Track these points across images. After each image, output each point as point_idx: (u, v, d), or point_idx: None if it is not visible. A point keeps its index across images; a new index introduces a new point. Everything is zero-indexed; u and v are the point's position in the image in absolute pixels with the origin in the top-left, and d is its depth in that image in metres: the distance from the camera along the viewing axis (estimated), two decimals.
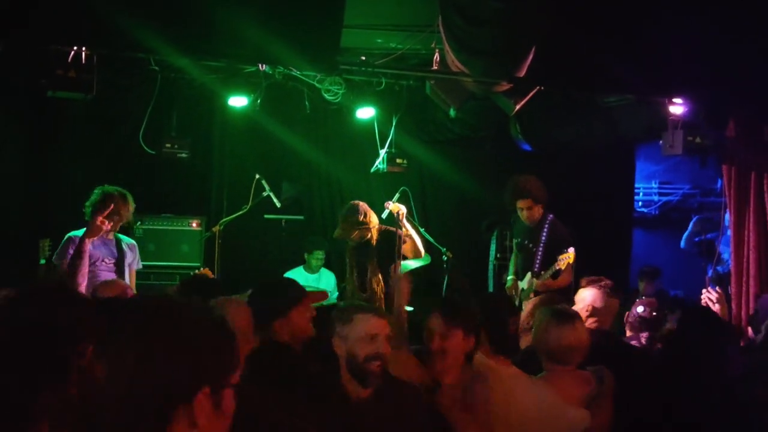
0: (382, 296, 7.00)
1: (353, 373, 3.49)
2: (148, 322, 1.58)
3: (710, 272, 8.51)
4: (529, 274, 7.12)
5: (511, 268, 7.54)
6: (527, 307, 6.90)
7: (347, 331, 3.50)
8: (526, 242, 7.27)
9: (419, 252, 7.05)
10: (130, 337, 1.55)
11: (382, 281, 7.08)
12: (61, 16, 5.89)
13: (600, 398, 3.78)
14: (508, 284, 7.43)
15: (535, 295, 6.98)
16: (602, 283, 5.03)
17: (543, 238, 7.09)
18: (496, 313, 4.22)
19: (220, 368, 1.62)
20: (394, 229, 7.03)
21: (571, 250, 6.81)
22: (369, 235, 7.08)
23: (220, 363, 1.62)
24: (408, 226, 6.96)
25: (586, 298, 4.96)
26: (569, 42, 6.69)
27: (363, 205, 7.12)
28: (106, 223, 5.94)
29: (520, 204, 7.16)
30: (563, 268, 6.81)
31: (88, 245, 5.87)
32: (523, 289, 7.15)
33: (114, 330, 1.57)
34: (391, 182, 8.14)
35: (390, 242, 7.02)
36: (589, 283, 5.06)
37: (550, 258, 6.98)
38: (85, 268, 5.78)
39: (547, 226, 7.13)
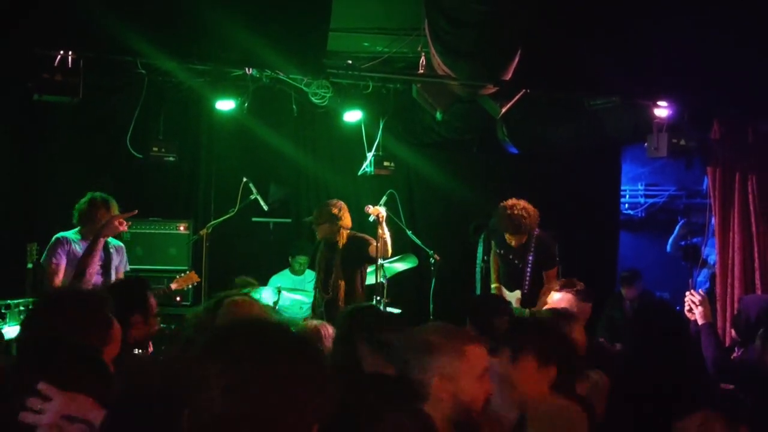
0: (343, 299, 7.05)
1: (460, 425, 2.76)
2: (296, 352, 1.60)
3: (696, 276, 8.56)
4: (518, 292, 7.16)
5: (493, 275, 7.55)
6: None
7: (458, 367, 2.74)
8: (510, 257, 7.28)
9: (387, 252, 7.08)
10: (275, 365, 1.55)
11: (345, 284, 7.16)
12: (47, 19, 5.89)
13: (593, 399, 3.79)
14: (492, 292, 7.45)
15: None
16: (576, 288, 5.06)
17: (530, 257, 7.10)
18: (482, 315, 4.28)
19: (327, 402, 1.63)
20: (364, 237, 7.18)
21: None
22: (338, 233, 7.19)
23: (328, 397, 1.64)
24: (386, 229, 6.99)
25: (559, 303, 4.98)
26: (555, 45, 6.72)
27: (341, 203, 7.28)
28: (124, 223, 5.96)
29: (511, 237, 7.13)
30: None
31: (101, 244, 5.87)
32: (510, 303, 7.16)
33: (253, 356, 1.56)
34: (378, 185, 8.16)
35: (358, 248, 7.17)
36: (563, 288, 5.08)
37: (539, 274, 7.05)
38: (95, 267, 5.78)
39: (533, 244, 7.12)
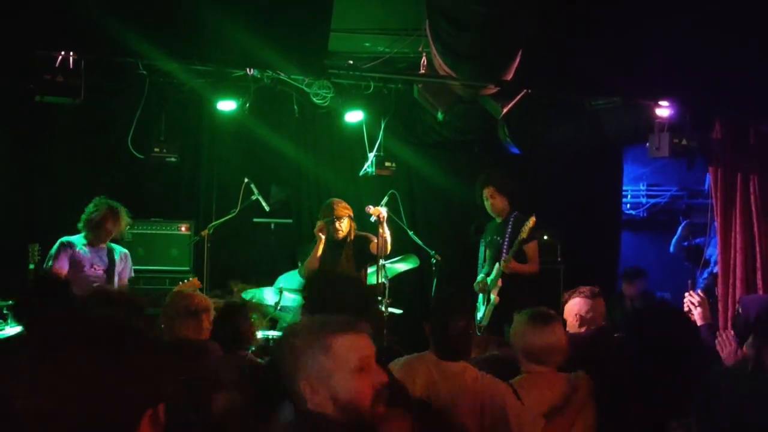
0: None
1: (352, 427, 2.36)
2: (94, 341, 1.50)
3: (698, 276, 8.54)
4: (497, 264, 7.32)
5: (482, 269, 7.69)
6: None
7: (325, 366, 2.37)
8: (494, 237, 7.51)
9: (386, 249, 7.13)
10: (73, 358, 1.45)
11: None
12: (48, 20, 5.90)
13: (575, 405, 3.77)
14: (479, 279, 7.58)
15: (502, 281, 7.21)
16: (580, 290, 5.21)
17: (508, 230, 7.37)
18: (437, 316, 4.21)
19: (161, 388, 1.55)
20: (367, 234, 7.23)
21: (532, 218, 7.14)
22: (350, 227, 7.27)
23: (163, 382, 1.55)
24: (387, 229, 7.02)
25: (572, 310, 5.15)
26: (556, 45, 6.74)
27: None
28: None
29: (485, 193, 7.47)
30: (526, 236, 7.12)
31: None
32: (491, 279, 7.31)
33: (48, 347, 1.47)
34: (379, 185, 8.15)
35: (362, 247, 7.23)
36: (570, 296, 5.23)
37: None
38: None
39: (511, 220, 7.39)
